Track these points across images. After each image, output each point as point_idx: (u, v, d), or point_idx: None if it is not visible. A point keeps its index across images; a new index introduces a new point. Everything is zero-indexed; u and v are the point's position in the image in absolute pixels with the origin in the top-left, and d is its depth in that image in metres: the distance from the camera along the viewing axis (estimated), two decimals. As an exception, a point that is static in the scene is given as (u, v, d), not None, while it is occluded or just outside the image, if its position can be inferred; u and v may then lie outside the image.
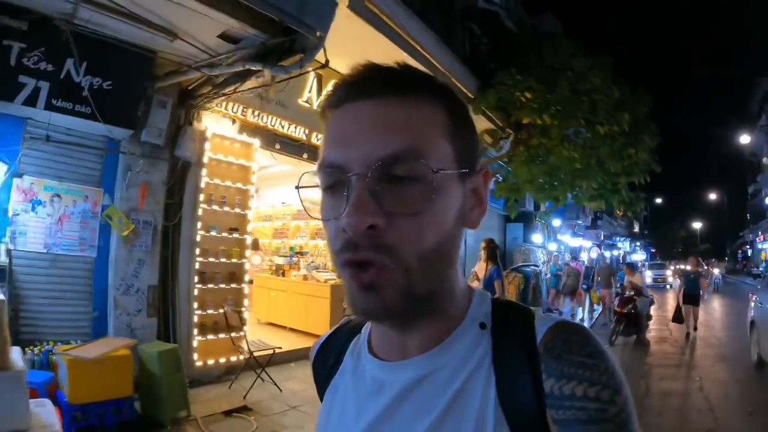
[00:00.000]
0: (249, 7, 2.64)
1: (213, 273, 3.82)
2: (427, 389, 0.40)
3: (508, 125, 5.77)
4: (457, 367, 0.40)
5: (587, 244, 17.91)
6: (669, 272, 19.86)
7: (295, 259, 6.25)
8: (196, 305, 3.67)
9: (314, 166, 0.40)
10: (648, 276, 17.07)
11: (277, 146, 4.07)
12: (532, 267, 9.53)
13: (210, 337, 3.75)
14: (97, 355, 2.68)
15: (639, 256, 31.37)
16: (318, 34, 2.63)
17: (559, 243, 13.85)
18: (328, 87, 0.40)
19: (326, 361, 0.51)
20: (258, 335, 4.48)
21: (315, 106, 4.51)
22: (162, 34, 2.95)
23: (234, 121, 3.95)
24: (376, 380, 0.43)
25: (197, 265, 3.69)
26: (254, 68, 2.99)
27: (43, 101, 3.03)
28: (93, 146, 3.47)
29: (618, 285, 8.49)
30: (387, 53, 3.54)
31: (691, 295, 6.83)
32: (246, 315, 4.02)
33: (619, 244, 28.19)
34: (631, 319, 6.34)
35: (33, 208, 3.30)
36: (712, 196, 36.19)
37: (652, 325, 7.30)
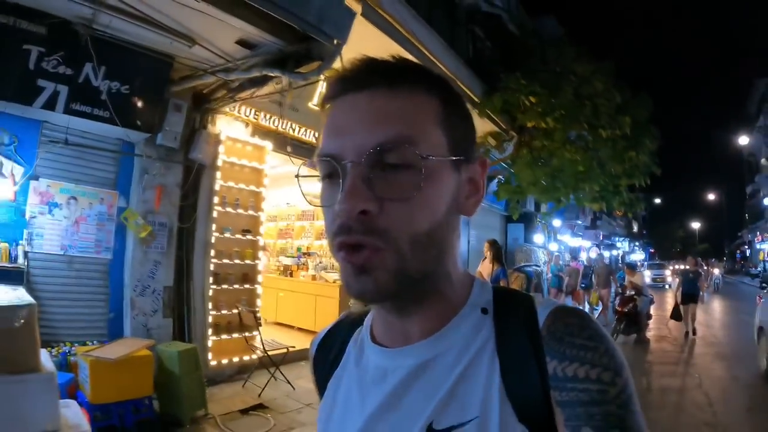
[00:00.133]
0: (267, 15, 2.74)
1: (226, 274, 3.93)
2: (431, 374, 0.41)
3: (511, 128, 5.91)
4: (460, 352, 0.41)
5: (587, 244, 18.15)
6: (668, 272, 20.07)
7: (302, 259, 6.36)
8: (210, 305, 3.76)
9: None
10: (647, 276, 17.20)
11: (289, 149, 4.17)
12: (534, 267, 9.71)
13: (224, 336, 3.86)
14: (120, 355, 2.78)
15: (638, 256, 31.75)
16: (336, 42, 2.74)
17: (559, 243, 14.06)
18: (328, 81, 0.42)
19: (327, 355, 0.51)
20: (267, 335, 4.58)
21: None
22: (181, 40, 3.04)
23: (247, 125, 4.05)
24: (379, 368, 0.44)
25: (212, 266, 3.79)
26: (272, 74, 3.08)
27: (62, 105, 3.11)
28: (108, 149, 3.56)
29: (618, 285, 8.66)
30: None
31: (690, 295, 6.97)
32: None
33: (618, 244, 28.52)
34: (631, 318, 6.52)
35: (50, 211, 3.39)
36: (711, 197, 36.67)
37: (652, 324, 7.47)
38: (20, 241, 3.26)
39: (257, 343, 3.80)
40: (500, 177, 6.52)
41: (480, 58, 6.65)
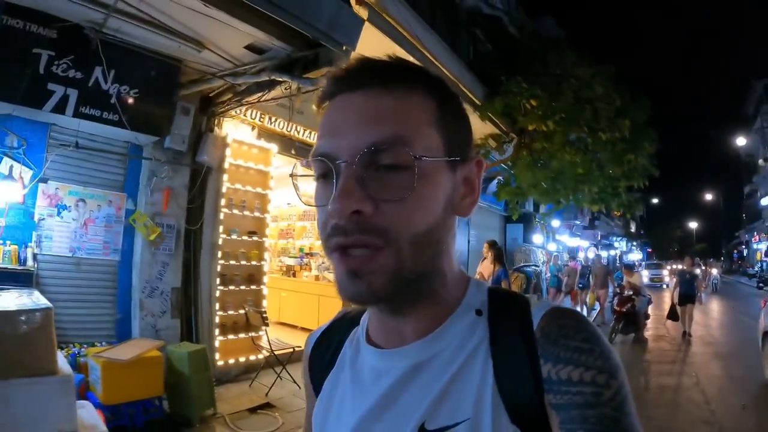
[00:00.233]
0: (277, 21, 2.80)
1: (233, 275, 4.00)
2: (425, 375, 0.41)
3: (512, 130, 6.01)
4: (454, 353, 0.41)
5: (585, 244, 18.31)
6: (665, 272, 20.17)
7: (305, 260, 6.44)
8: (217, 306, 3.83)
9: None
10: (645, 276, 17.29)
11: (293, 151, 4.24)
12: (533, 267, 9.82)
13: (230, 336, 3.94)
14: (132, 356, 2.84)
15: (635, 256, 32.01)
16: (345, 48, 2.81)
17: (558, 243, 14.20)
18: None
19: (324, 355, 0.52)
20: (271, 335, 4.65)
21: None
22: (190, 44, 3.10)
23: (253, 128, 4.12)
24: (374, 369, 0.44)
25: (219, 268, 3.86)
26: (280, 79, 3.15)
27: (71, 108, 3.16)
28: (116, 152, 3.61)
29: (616, 285, 8.78)
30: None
31: (687, 295, 7.06)
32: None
33: (616, 244, 28.75)
34: (629, 317, 6.65)
35: (58, 213, 3.44)
36: (708, 197, 37.02)
37: (650, 323, 7.60)
38: (29, 244, 3.31)
39: (263, 342, 3.88)
40: (500, 178, 6.62)
41: (481, 60, 6.74)
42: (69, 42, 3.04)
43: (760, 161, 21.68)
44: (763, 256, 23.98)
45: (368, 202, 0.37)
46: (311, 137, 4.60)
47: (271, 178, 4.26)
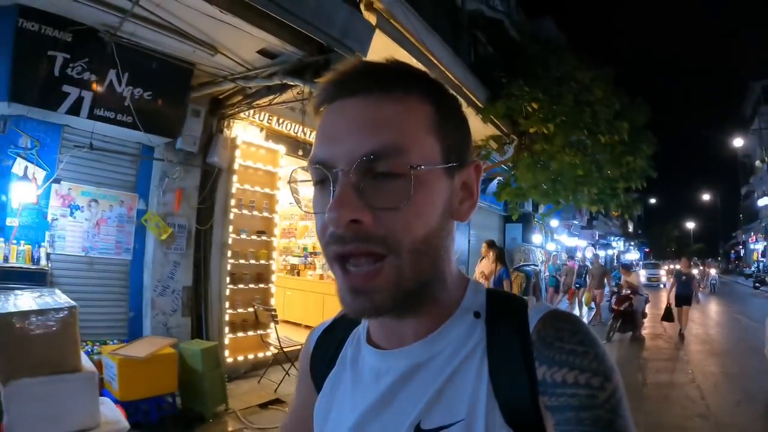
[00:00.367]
0: (290, 27, 2.90)
1: (242, 274, 4.11)
2: (422, 376, 0.42)
3: (512, 132, 6.15)
4: (451, 354, 0.42)
5: (583, 243, 18.51)
6: (663, 272, 20.31)
7: (309, 259, 6.55)
8: (227, 305, 3.94)
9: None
10: (642, 275, 17.30)
11: (301, 152, 4.34)
12: (532, 266, 9.97)
13: (239, 334, 4.05)
14: (148, 353, 2.94)
15: (633, 256, 32.34)
16: (356, 54, 2.91)
17: (557, 243, 14.38)
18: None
19: (325, 353, 0.53)
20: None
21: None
22: (204, 49, 3.19)
23: (261, 129, 4.21)
24: (373, 369, 0.45)
25: (228, 267, 3.97)
26: (291, 83, 3.25)
27: (86, 110, 3.24)
28: (128, 153, 3.70)
29: (613, 284, 8.94)
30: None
31: (683, 296, 7.13)
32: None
33: (614, 244, 29.04)
34: (627, 316, 6.81)
35: (71, 213, 3.53)
36: (706, 197, 37.40)
37: (647, 322, 7.79)
38: (42, 243, 3.39)
39: (271, 340, 3.99)
40: (500, 178, 6.75)
41: (482, 62, 6.86)
42: (84, 45, 3.11)
43: (757, 162, 21.97)
44: (759, 256, 24.32)
45: (365, 211, 0.37)
46: (318, 138, 4.70)
47: (279, 178, 4.37)
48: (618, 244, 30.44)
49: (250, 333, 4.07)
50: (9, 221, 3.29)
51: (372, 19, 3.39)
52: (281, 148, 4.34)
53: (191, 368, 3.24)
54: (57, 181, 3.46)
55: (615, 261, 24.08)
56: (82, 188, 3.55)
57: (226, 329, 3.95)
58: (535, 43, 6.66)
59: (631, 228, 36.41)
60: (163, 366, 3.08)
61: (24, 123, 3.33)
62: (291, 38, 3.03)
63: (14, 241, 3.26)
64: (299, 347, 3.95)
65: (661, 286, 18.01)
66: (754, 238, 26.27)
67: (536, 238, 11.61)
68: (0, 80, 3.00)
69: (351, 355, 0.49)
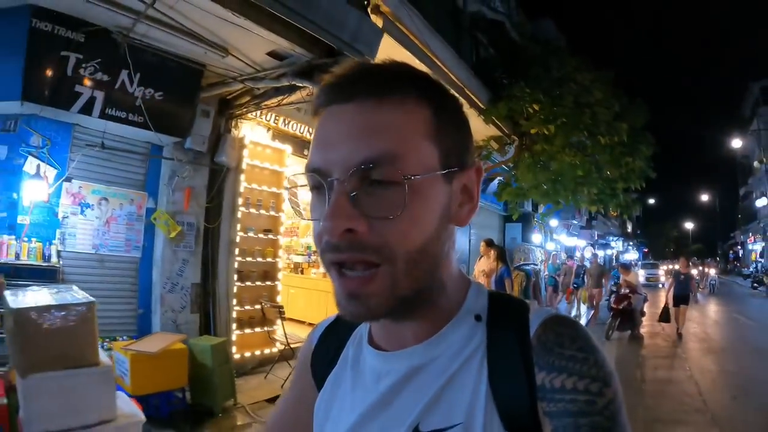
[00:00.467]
0: (301, 30, 2.98)
1: (249, 271, 4.21)
2: (422, 379, 0.42)
3: (513, 132, 6.25)
4: (451, 357, 0.42)
5: (582, 243, 18.65)
6: (661, 272, 20.40)
7: (313, 257, 6.63)
8: (234, 302, 4.02)
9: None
10: (641, 275, 17.19)
11: (306, 152, 4.41)
12: (532, 265, 10.09)
13: (246, 331, 4.14)
14: (159, 349, 3.02)
15: (632, 256, 32.55)
16: (365, 58, 3.00)
17: (556, 243, 14.52)
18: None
19: (327, 351, 0.53)
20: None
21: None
22: (215, 50, 3.27)
23: (268, 129, 4.29)
24: (374, 370, 0.46)
25: (236, 264, 4.05)
26: (300, 84, 3.33)
27: (98, 110, 3.31)
28: (137, 152, 3.77)
29: (612, 284, 9.06)
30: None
31: (681, 296, 7.21)
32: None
33: (613, 244, 29.24)
34: (626, 315, 6.93)
35: (82, 211, 3.60)
36: (704, 198, 37.68)
37: (645, 321, 7.90)
38: (53, 241, 3.46)
39: (278, 336, 4.08)
40: (500, 178, 6.86)
41: (483, 64, 6.96)
42: (96, 45, 3.16)
43: (756, 163, 22.16)
44: (758, 256, 24.54)
45: (361, 220, 0.37)
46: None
47: (285, 178, 4.46)
48: (617, 244, 30.63)
49: (257, 330, 4.16)
50: (20, 219, 3.35)
51: (378, 22, 3.48)
52: (287, 148, 4.43)
53: (201, 363, 3.31)
54: (68, 179, 3.53)
55: (614, 261, 24.26)
56: (92, 186, 3.62)
57: (234, 326, 4.04)
58: (535, 43, 6.76)
59: (629, 228, 36.63)
60: (174, 361, 3.16)
61: (35, 122, 3.40)
62: (300, 41, 3.11)
63: (25, 239, 3.33)
64: (305, 344, 4.04)
65: (660, 286, 18.15)
66: (752, 238, 26.51)
67: (536, 237, 11.73)
68: (13, 80, 3.06)
69: (352, 354, 0.50)
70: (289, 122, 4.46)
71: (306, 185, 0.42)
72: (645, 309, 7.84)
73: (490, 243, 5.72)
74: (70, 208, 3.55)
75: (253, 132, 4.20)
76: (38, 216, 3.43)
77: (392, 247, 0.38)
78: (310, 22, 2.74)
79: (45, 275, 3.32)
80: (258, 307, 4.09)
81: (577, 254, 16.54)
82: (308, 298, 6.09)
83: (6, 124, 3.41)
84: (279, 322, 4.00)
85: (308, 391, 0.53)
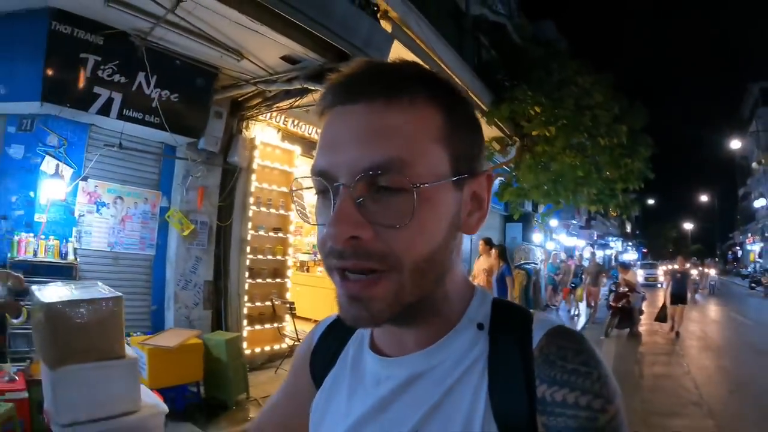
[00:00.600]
0: (314, 35, 3.12)
1: (260, 269, 4.36)
2: (421, 386, 0.42)
3: (515, 134, 6.42)
4: (452, 366, 0.42)
5: (581, 243, 18.88)
6: (660, 272, 20.59)
7: (318, 256, 6.76)
8: (246, 298, 4.16)
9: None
10: (640, 275, 16.49)
11: (314, 153, 4.56)
12: (532, 265, 10.30)
13: (257, 327, 4.29)
14: (177, 343, 3.15)
15: (631, 256, 32.88)
16: (376, 62, 3.14)
17: (556, 242, 14.73)
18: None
19: (327, 349, 0.53)
20: (290, 326, 4.99)
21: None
22: (231, 54, 3.40)
23: (278, 130, 4.44)
24: (373, 374, 0.46)
25: (247, 262, 4.19)
26: (311, 87, 3.46)
27: (115, 111, 3.44)
28: (152, 152, 3.90)
29: (611, 282, 9.26)
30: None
31: (678, 295, 7.29)
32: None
33: (612, 244, 29.53)
34: (625, 313, 7.13)
35: (98, 210, 3.73)
36: (703, 198, 38.07)
37: (644, 319, 8.11)
38: (70, 239, 3.58)
39: (287, 332, 4.22)
40: (501, 178, 7.03)
41: (485, 66, 7.12)
42: (115, 48, 3.27)
43: (754, 164, 22.44)
44: (756, 257, 24.86)
45: (367, 228, 0.37)
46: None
47: (294, 178, 4.58)
48: (616, 245, 30.93)
49: (267, 326, 4.31)
50: (37, 217, 3.48)
51: (387, 27, 3.62)
52: (296, 149, 4.58)
53: (215, 358, 3.45)
54: (84, 178, 3.65)
55: (613, 261, 24.53)
56: (108, 185, 3.75)
57: (245, 322, 4.18)
58: (536, 45, 6.92)
59: (629, 228, 36.96)
60: (190, 356, 3.29)
61: (52, 122, 3.51)
62: (314, 45, 3.25)
63: (43, 236, 3.45)
64: (315, 339, 4.19)
65: (659, 285, 18.32)
66: (751, 239, 26.85)
67: (536, 237, 11.91)
68: (33, 81, 3.17)
69: (352, 355, 0.50)
70: (298, 123, 4.60)
71: (311, 188, 0.41)
72: (644, 308, 8.04)
73: (488, 242, 5.86)
74: (86, 206, 3.67)
75: (263, 133, 4.35)
76: (55, 214, 3.54)
77: (398, 256, 0.37)
78: (327, 29, 2.89)
79: (62, 272, 3.42)
80: (268, 303, 4.24)
81: (576, 254, 16.74)
82: (314, 296, 6.23)
83: (22, 124, 3.53)
84: (289, 318, 4.14)
85: (304, 387, 0.54)
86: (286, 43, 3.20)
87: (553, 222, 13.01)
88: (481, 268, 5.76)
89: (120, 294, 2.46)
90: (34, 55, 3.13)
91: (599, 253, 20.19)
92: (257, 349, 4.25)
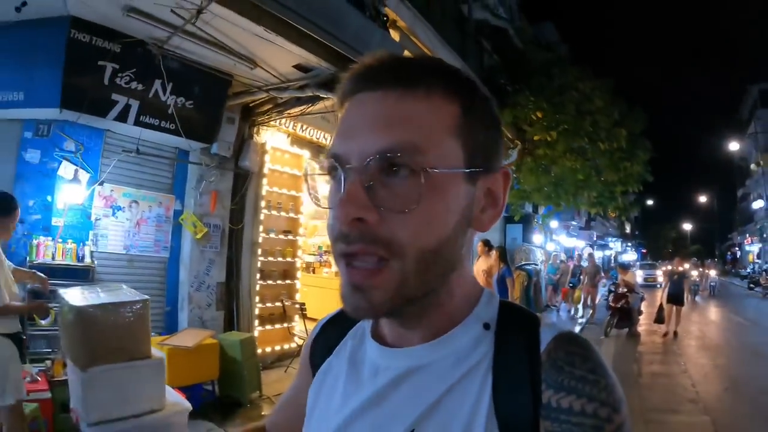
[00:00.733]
0: (327, 45, 3.28)
1: (270, 271, 4.52)
2: (420, 380, 0.42)
3: (516, 137, 6.61)
4: (455, 363, 0.41)
5: (581, 244, 19.12)
6: (659, 272, 20.80)
7: (324, 257, 6.95)
8: (257, 299, 4.32)
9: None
10: (639, 275, 16.46)
11: (322, 157, 4.73)
12: (533, 265, 10.51)
13: (268, 327, 4.45)
14: (195, 343, 3.30)
15: (630, 256, 33.23)
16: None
17: (556, 243, 14.97)
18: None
19: (327, 341, 0.53)
20: (299, 326, 5.15)
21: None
22: (245, 62, 3.55)
23: (288, 135, 4.60)
24: (372, 364, 0.46)
25: (258, 264, 4.35)
26: (322, 95, 3.62)
27: (132, 117, 3.58)
28: (166, 157, 4.05)
29: (610, 283, 9.47)
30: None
31: (675, 295, 7.38)
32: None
33: (611, 245, 29.86)
34: (624, 313, 7.32)
35: (113, 213, 3.87)
36: (703, 199, 38.50)
37: (642, 319, 8.29)
38: (86, 242, 3.72)
39: (296, 332, 4.39)
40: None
41: (488, 70, 7.29)
42: (132, 56, 3.40)
43: (753, 165, 22.76)
44: (755, 258, 25.21)
45: (373, 211, 0.37)
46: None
47: (304, 181, 4.76)
48: (615, 245, 31.27)
49: (277, 326, 4.47)
50: (55, 221, 3.62)
51: (396, 36, 3.79)
52: (305, 153, 4.74)
53: (230, 357, 3.60)
54: (100, 183, 3.79)
55: (612, 262, 24.84)
56: (123, 190, 3.89)
57: (256, 322, 4.34)
58: (537, 47, 7.11)
59: (628, 229, 37.33)
60: (207, 355, 3.44)
61: (68, 127, 3.65)
62: (326, 55, 3.41)
63: (60, 240, 3.59)
64: (324, 339, 4.35)
65: (658, 286, 18.55)
66: (749, 240, 27.24)
67: (537, 238, 12.12)
68: (52, 88, 3.30)
69: (351, 347, 0.50)
70: (307, 129, 4.77)
71: (323, 174, 0.43)
72: (642, 308, 8.24)
73: (487, 243, 6.02)
74: (102, 210, 3.81)
75: (273, 138, 4.51)
76: (72, 218, 3.68)
77: (402, 243, 0.37)
78: (341, 41, 3.04)
79: (79, 275, 3.56)
80: (278, 304, 4.40)
81: (576, 254, 16.98)
82: (320, 297, 6.38)
83: (39, 129, 3.66)
84: (298, 318, 4.30)
85: (307, 380, 0.54)
86: (299, 53, 3.36)
87: (554, 223, 13.23)
88: (480, 269, 5.93)
89: (147, 297, 2.56)
90: (53, 62, 3.25)
91: (598, 254, 20.44)
92: (268, 349, 4.42)
